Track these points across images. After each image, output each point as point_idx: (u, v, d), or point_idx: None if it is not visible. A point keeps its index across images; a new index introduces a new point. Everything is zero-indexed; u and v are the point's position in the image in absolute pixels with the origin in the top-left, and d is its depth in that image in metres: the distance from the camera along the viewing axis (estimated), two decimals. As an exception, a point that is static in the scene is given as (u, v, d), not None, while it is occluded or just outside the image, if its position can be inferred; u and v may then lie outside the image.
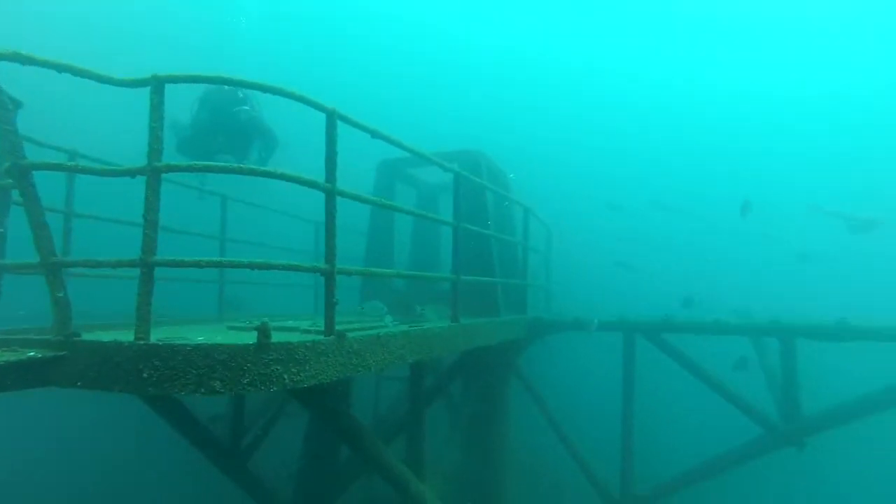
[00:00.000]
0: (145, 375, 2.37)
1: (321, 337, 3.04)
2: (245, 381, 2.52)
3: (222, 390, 2.41)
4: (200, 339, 2.62)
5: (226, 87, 6.88)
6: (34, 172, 2.66)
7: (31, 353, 2.52)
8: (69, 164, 2.95)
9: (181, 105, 6.82)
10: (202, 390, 2.34)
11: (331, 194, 3.18)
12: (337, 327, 3.11)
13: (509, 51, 24.38)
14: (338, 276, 3.09)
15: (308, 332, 3.42)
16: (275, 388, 2.67)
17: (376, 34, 23.07)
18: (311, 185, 3.18)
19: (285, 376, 2.70)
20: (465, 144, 8.30)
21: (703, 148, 20.92)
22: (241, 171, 2.93)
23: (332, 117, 3.23)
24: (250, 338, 2.60)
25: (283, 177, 3.04)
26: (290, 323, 4.02)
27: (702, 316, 6.05)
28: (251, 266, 2.72)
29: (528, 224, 8.70)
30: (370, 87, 21.15)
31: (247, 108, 6.91)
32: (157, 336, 2.67)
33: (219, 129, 6.83)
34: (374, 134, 3.66)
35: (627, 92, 23.49)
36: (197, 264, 2.51)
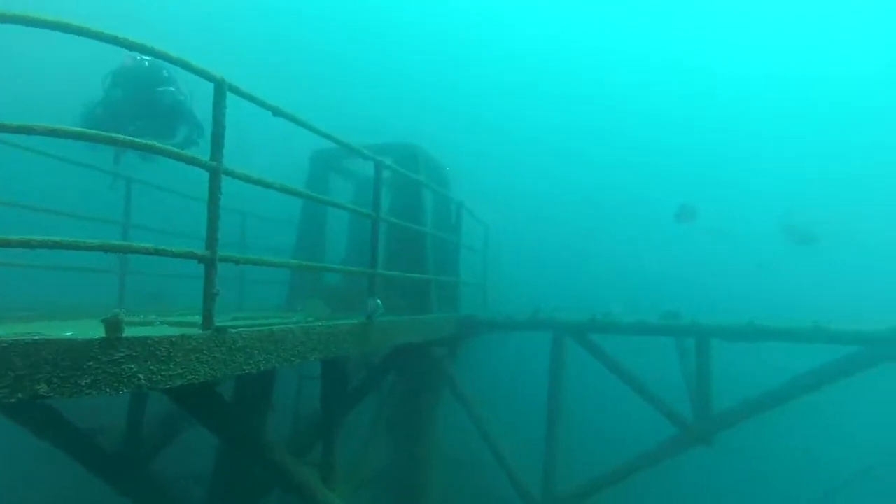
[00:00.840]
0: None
1: (195, 331, 2.72)
2: (85, 383, 2.17)
3: (49, 394, 2.05)
4: (69, 335, 2.25)
5: (146, 62, 6.26)
6: None
7: None
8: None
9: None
10: (19, 395, 1.97)
11: (215, 173, 2.86)
12: (245, 322, 2.79)
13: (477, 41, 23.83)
14: (265, 269, 2.78)
15: (181, 325, 3.07)
16: (127, 390, 2.34)
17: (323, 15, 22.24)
18: (193, 162, 2.85)
19: (141, 376, 2.37)
20: (405, 137, 8.08)
21: (662, 144, 20.48)
22: (113, 142, 2.56)
23: (220, 87, 2.91)
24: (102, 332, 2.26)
25: (162, 152, 2.72)
26: (187, 318, 3.64)
27: (626, 316, 6.09)
28: (104, 249, 2.37)
29: (461, 219, 8.57)
30: (326, 78, 20.48)
31: (172, 89, 6.20)
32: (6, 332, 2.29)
33: (136, 111, 6.14)
34: (276, 112, 3.36)
35: (585, 82, 22.84)
36: (27, 244, 2.13)
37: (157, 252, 2.59)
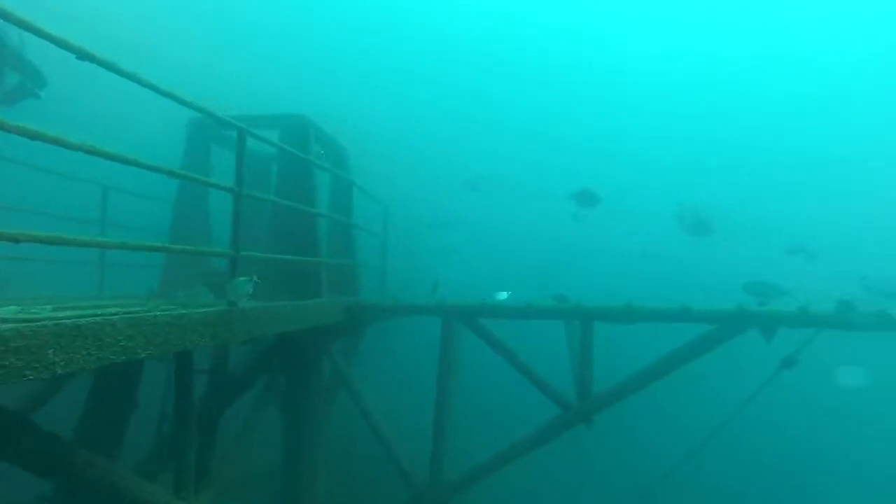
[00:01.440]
0: None
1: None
2: None
3: None
4: None
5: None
6: None
7: None
8: None
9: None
10: None
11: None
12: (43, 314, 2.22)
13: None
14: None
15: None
16: None
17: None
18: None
19: None
20: (298, 109, 7.42)
21: (560, 131, 20.19)
22: None
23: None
24: None
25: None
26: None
27: (515, 300, 6.08)
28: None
29: (353, 199, 8.18)
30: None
31: None
32: None
33: None
34: (81, 55, 2.74)
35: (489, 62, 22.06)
36: None
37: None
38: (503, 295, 6.30)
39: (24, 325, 2.40)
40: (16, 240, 2.33)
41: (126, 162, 3.10)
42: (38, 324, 2.48)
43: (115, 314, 3.07)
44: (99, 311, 3.26)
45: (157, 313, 3.29)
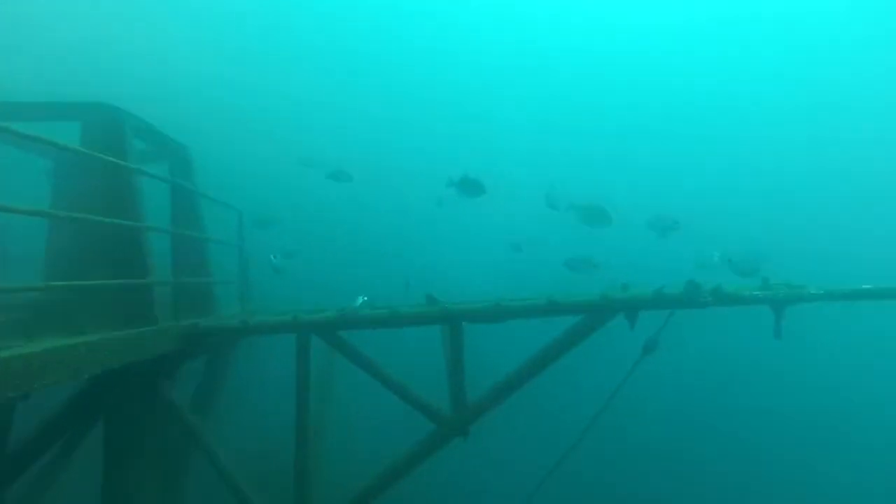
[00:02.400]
0: None
1: None
2: None
3: None
4: None
5: None
6: None
7: None
8: None
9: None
10: None
11: None
12: None
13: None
14: None
15: None
16: None
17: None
18: None
19: None
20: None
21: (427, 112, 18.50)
22: None
23: None
24: None
25: None
26: None
27: (379, 306, 5.53)
28: None
29: (200, 206, 7.12)
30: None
31: None
32: None
33: None
34: None
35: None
36: None
37: None
38: (360, 300, 5.70)
39: None
40: None
41: None
42: None
43: None
44: None
45: None
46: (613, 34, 21.67)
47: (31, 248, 6.38)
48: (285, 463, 5.35)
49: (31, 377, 3.29)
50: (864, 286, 4.68)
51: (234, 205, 8.18)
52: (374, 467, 5.22)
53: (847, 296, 4.68)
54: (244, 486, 5.02)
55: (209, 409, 7.48)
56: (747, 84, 19.69)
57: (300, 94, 18.13)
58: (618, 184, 15.47)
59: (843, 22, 19.56)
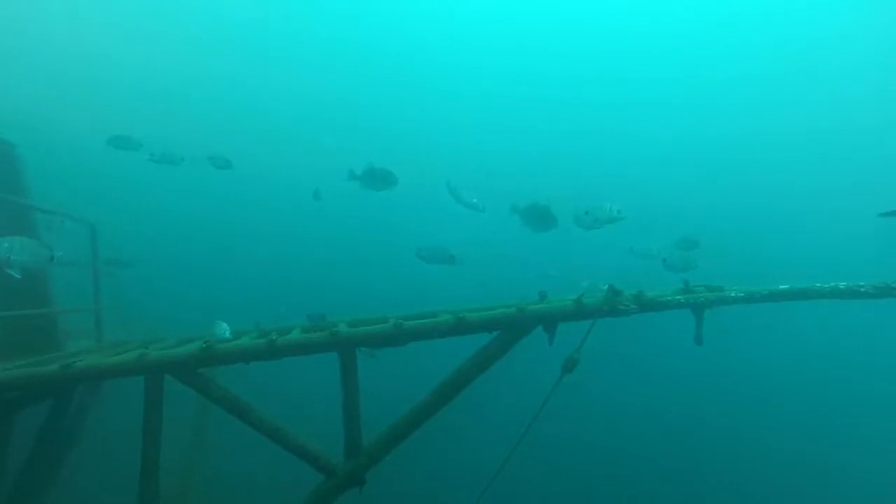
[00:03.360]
0: None
1: None
2: None
3: None
4: None
5: None
6: None
7: None
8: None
9: None
10: None
11: None
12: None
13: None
14: None
15: None
16: None
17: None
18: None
19: None
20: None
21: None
22: None
23: None
24: None
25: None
26: None
27: (249, 339, 4.52)
28: None
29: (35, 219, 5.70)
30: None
31: None
32: None
33: None
34: None
35: None
36: None
37: None
38: (224, 329, 4.66)
39: None
40: None
41: None
42: None
43: None
44: None
45: None
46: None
47: None
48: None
49: None
50: (781, 287, 4.45)
51: (84, 216, 6.73)
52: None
53: (766, 297, 4.41)
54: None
55: (50, 465, 6.00)
56: (685, 72, 19.90)
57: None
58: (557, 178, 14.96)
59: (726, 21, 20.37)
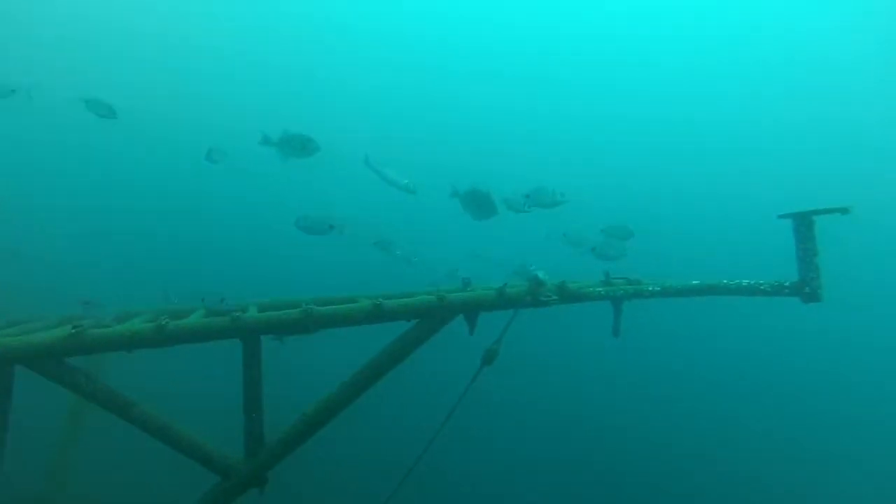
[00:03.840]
0: None
1: None
2: None
3: None
4: None
5: None
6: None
7: None
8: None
9: None
10: None
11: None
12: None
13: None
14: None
15: None
16: None
17: None
18: None
19: None
20: None
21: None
22: None
23: None
24: None
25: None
26: None
27: (140, 322, 3.97)
28: None
29: None
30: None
31: None
32: None
33: None
34: None
35: None
36: None
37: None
38: (105, 310, 4.08)
39: None
40: None
41: None
42: None
43: None
44: None
45: None
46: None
47: None
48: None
49: None
50: (693, 282, 4.62)
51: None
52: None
53: (680, 292, 4.56)
54: None
55: None
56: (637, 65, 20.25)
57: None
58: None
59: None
